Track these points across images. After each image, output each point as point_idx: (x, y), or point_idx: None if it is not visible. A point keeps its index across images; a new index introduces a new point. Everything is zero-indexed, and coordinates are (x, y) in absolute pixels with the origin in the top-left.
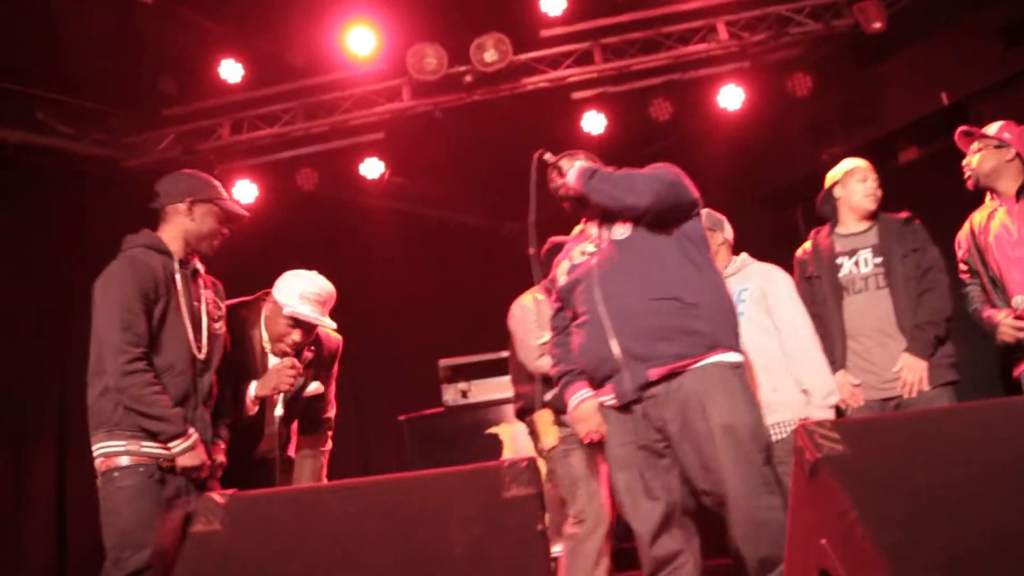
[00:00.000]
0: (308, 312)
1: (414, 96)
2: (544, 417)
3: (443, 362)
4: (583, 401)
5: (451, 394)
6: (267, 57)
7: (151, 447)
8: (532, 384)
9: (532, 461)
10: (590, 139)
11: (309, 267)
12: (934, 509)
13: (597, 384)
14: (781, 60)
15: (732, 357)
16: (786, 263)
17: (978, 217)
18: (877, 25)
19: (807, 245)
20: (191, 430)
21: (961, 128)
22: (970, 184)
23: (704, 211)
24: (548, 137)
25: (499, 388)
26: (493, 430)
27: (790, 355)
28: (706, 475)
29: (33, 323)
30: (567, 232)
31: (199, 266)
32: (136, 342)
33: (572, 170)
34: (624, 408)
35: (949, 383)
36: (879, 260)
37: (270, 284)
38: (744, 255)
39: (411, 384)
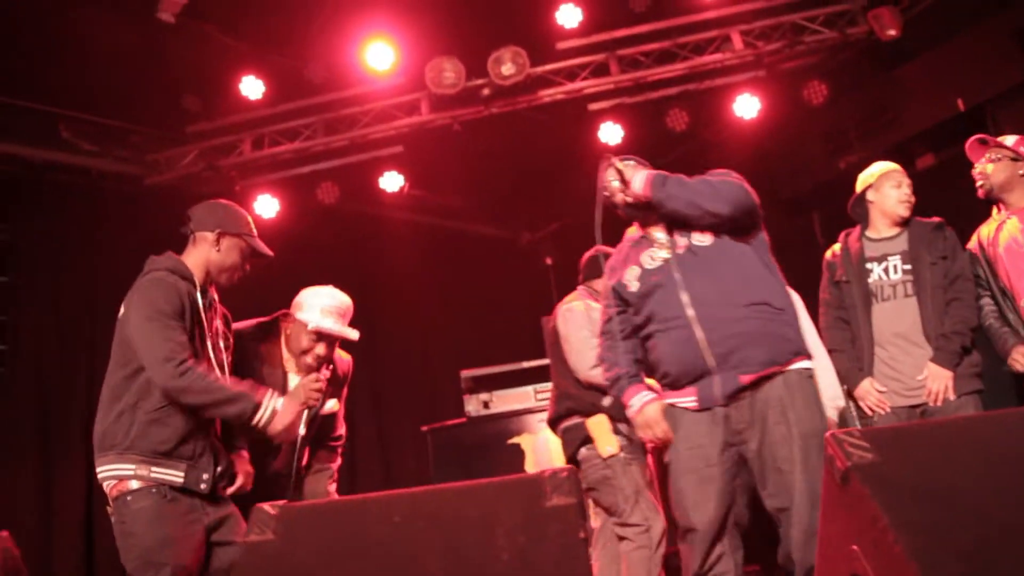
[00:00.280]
0: (331, 325)
1: (433, 110)
2: (602, 423)
3: (465, 373)
4: (647, 404)
5: (473, 404)
6: (287, 73)
7: (160, 472)
8: (580, 388)
9: (572, 471)
10: (607, 150)
11: (331, 280)
12: (963, 515)
13: (672, 386)
14: (796, 68)
15: (809, 364)
16: (802, 270)
17: (986, 230)
18: (892, 32)
19: (836, 248)
20: (263, 397)
21: (977, 136)
22: (981, 192)
23: None
24: (565, 148)
25: (520, 399)
26: (515, 440)
27: None
28: (777, 478)
29: (59, 339)
30: (588, 237)
31: (215, 298)
32: (180, 349)
33: (639, 177)
34: (701, 411)
35: (974, 392)
36: (908, 267)
37: (291, 298)
38: None
39: (433, 395)
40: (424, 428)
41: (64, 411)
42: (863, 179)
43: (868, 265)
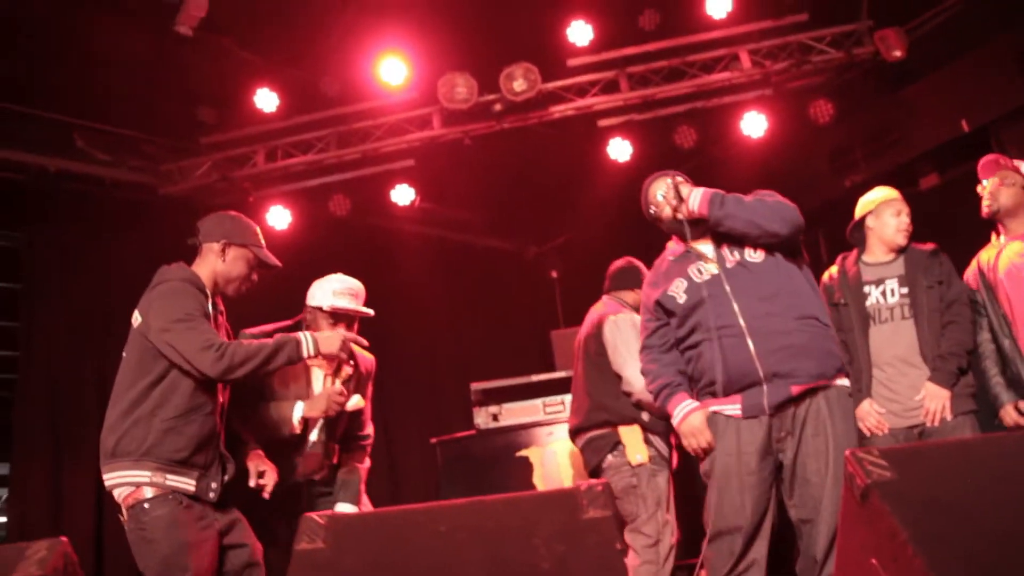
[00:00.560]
0: (346, 304)
1: (444, 124)
2: (635, 431)
3: (475, 385)
4: (691, 412)
5: (482, 417)
6: (302, 87)
7: (175, 480)
8: (619, 399)
9: (607, 485)
10: (617, 166)
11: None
12: (977, 530)
13: (717, 394)
14: (803, 88)
15: (848, 383)
16: None
17: (985, 255)
18: (897, 53)
19: (833, 270)
20: (298, 334)
21: (993, 156)
22: (986, 212)
23: None
24: (574, 163)
25: (529, 412)
26: (523, 453)
27: None
28: (805, 489)
29: (70, 346)
30: (593, 251)
31: (222, 308)
32: (214, 336)
33: (696, 195)
34: (745, 419)
35: (970, 411)
36: (905, 291)
37: (300, 307)
38: None
39: (440, 406)
40: (433, 440)
41: (75, 417)
42: (863, 205)
43: (865, 288)
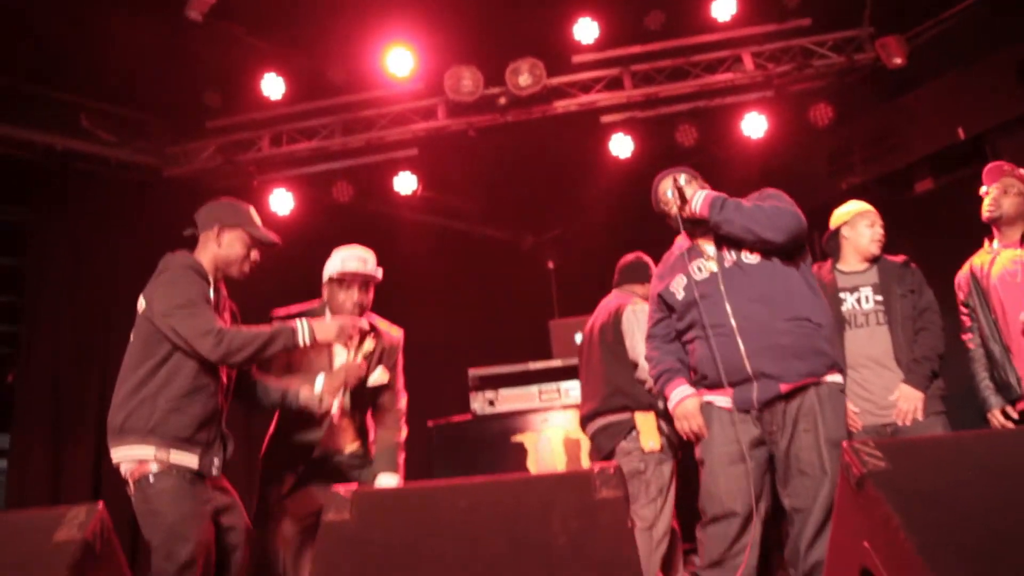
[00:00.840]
0: (355, 266)
1: (449, 115)
2: (650, 419)
3: (472, 371)
4: (686, 398)
5: (479, 402)
6: (309, 74)
7: (178, 457)
8: (636, 386)
9: (619, 468)
10: (618, 161)
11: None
12: (967, 520)
13: (710, 388)
14: (804, 91)
15: (841, 378)
16: None
17: (979, 260)
18: (898, 60)
19: None
20: (295, 322)
21: (998, 162)
22: (987, 217)
23: None
24: (575, 158)
25: (525, 399)
26: (518, 438)
27: None
28: (799, 480)
29: (73, 322)
30: (589, 243)
31: (224, 294)
32: (214, 321)
33: (699, 197)
34: (736, 411)
35: (940, 412)
36: (879, 298)
37: (303, 290)
38: None
39: (435, 391)
40: (430, 423)
41: (76, 392)
42: (838, 216)
43: (841, 295)
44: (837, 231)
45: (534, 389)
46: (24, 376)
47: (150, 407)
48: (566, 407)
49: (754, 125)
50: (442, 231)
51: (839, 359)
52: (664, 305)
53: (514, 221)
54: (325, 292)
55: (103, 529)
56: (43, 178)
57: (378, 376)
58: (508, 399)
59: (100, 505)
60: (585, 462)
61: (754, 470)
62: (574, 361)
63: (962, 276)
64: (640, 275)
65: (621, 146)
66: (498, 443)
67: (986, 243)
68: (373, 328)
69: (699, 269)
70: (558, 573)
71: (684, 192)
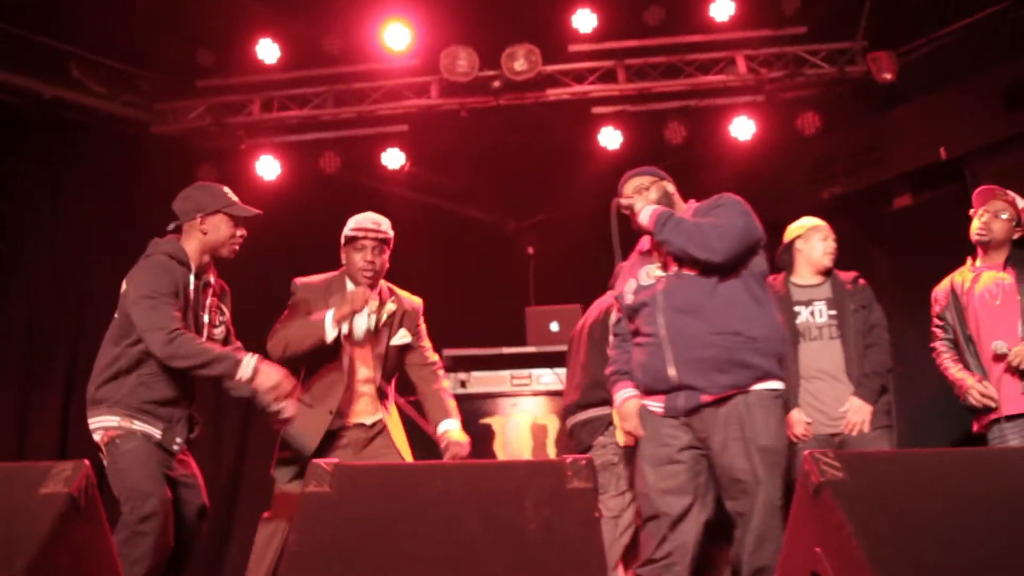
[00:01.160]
0: (366, 225)
1: (442, 94)
2: None
3: (446, 352)
4: (627, 400)
5: (450, 382)
6: (304, 41)
7: (140, 425)
8: None
9: (590, 460)
10: (605, 153)
11: (322, 246)
12: (918, 532)
13: (645, 392)
14: (794, 98)
15: (776, 385)
16: None
17: (960, 278)
18: (888, 75)
19: None
20: (245, 355)
21: (991, 186)
22: (977, 238)
23: None
24: (563, 146)
25: (496, 382)
26: (486, 420)
27: None
28: (735, 486)
29: (51, 271)
30: (570, 232)
31: (211, 279)
32: (172, 321)
33: (646, 212)
34: (669, 416)
35: (886, 426)
36: (833, 313)
37: (285, 258)
38: None
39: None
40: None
41: (49, 345)
42: (793, 230)
43: (796, 308)
44: (791, 244)
45: (506, 374)
46: None
47: (121, 381)
48: (536, 393)
49: (742, 128)
50: (426, 209)
51: (773, 369)
52: (621, 305)
53: (498, 204)
54: (343, 257)
55: (88, 486)
56: (29, 125)
57: (401, 336)
58: (480, 381)
59: (86, 463)
60: (551, 448)
61: (685, 471)
62: (548, 348)
63: (941, 290)
64: None
65: (610, 138)
66: (467, 424)
67: (969, 261)
68: (393, 293)
69: (648, 275)
70: (528, 557)
71: (635, 205)
